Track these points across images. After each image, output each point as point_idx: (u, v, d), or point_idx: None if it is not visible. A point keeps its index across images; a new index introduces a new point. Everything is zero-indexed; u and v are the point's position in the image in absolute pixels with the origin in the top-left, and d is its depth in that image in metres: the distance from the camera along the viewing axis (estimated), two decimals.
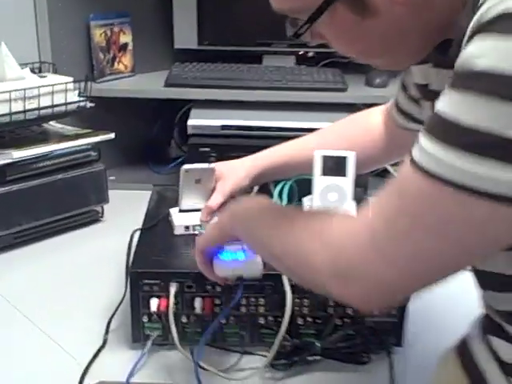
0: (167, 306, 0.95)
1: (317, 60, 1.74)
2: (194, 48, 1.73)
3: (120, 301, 1.03)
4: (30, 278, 1.19)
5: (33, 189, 1.29)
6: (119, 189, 1.58)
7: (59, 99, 1.34)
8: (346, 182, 0.98)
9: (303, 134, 1.15)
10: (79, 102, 1.38)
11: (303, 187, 1.10)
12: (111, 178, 1.65)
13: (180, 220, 1.08)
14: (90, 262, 1.25)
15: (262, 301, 0.97)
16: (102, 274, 1.19)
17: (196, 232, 1.07)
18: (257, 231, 0.76)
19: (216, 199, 1.06)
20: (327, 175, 0.99)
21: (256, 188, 1.17)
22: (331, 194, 0.99)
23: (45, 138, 1.41)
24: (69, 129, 1.50)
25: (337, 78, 1.59)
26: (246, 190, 1.10)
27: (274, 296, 0.97)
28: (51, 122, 1.51)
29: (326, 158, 0.99)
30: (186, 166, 1.06)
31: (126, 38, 1.70)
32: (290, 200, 1.10)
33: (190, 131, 1.52)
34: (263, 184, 1.14)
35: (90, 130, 1.46)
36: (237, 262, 0.85)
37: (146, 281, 0.95)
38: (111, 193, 1.49)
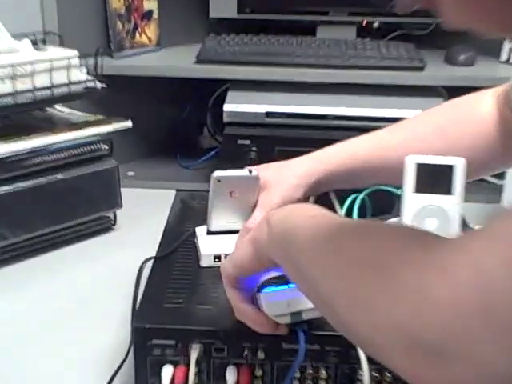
0: (186, 378, 0.66)
1: (383, 32, 1.42)
2: (232, 17, 1.43)
3: (122, 360, 0.74)
4: (8, 310, 0.91)
5: (24, 192, 1.01)
6: (139, 187, 1.30)
7: (60, 78, 1.05)
8: (452, 203, 0.68)
9: (373, 126, 0.85)
10: (86, 81, 1.09)
11: (380, 203, 0.79)
12: (130, 173, 1.38)
13: (209, 246, 0.79)
14: (93, 287, 0.96)
15: (323, 373, 0.67)
16: (107, 306, 0.90)
17: None
18: (303, 260, 0.50)
19: (259, 217, 0.77)
20: (423, 192, 0.68)
21: (311, 200, 0.87)
22: (429, 219, 0.68)
23: (47, 126, 1.13)
24: (79, 115, 1.22)
25: (411, 54, 1.27)
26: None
27: (341, 367, 0.67)
28: (58, 107, 1.23)
29: (422, 168, 0.68)
30: (219, 174, 0.77)
31: (150, 4, 1.40)
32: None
33: (225, 119, 1.22)
34: (321, 195, 0.84)
35: (101, 117, 1.17)
36: (290, 291, 0.61)
37: (157, 341, 0.67)
38: (129, 192, 1.21)
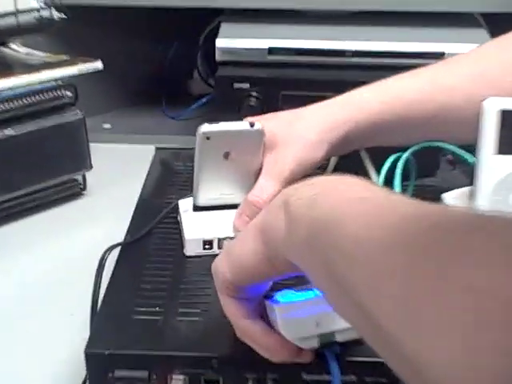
0: None
1: None
2: None
3: None
4: None
5: None
6: (117, 142, 1.08)
7: (4, 5, 0.82)
8: None
9: (403, 63, 0.64)
10: (39, 10, 0.85)
11: (430, 165, 0.58)
12: (105, 125, 1.16)
13: (196, 227, 0.58)
14: (48, 277, 0.74)
15: None
16: (66, 298, 0.69)
17: None
18: (357, 272, 0.32)
19: (265, 188, 0.56)
20: (510, 153, 0.47)
21: (333, 162, 0.65)
22: None
23: None
24: (39, 56, 0.99)
25: None
26: (317, 168, 0.60)
27: None
28: (14, 46, 1.00)
29: (510, 117, 0.46)
30: (208, 128, 0.55)
31: None
32: (403, 188, 0.58)
33: (219, 57, 0.99)
34: (349, 155, 0.63)
35: (64, 57, 0.95)
36: (317, 301, 0.42)
37: (121, 372, 0.46)
38: (105, 149, 1.01)
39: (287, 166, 0.56)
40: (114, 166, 0.99)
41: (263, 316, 0.46)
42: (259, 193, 0.56)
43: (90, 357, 0.46)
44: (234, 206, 0.60)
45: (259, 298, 0.46)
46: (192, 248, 0.57)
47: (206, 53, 1.23)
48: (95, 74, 0.95)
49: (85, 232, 0.80)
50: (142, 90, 1.23)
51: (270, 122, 0.57)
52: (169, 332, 0.49)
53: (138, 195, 0.68)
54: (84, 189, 0.93)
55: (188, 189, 0.68)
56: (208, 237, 0.57)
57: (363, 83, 0.64)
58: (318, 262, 0.33)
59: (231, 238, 0.57)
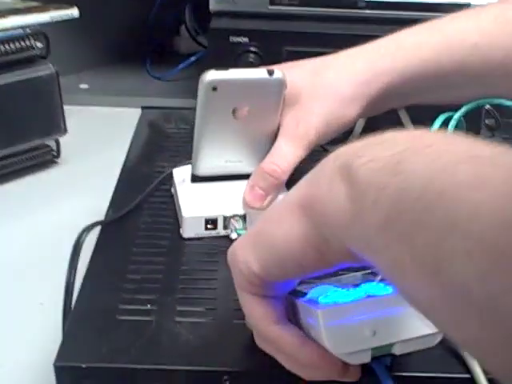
0: None
1: None
2: None
3: None
4: None
5: None
6: (95, 104, 0.96)
7: None
8: None
9: (424, 16, 0.52)
10: None
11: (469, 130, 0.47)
12: (82, 86, 1.03)
13: (196, 202, 0.47)
14: (17, 257, 0.63)
15: None
16: (35, 285, 0.57)
17: (233, 235, 0.45)
18: (448, 246, 0.21)
19: (285, 154, 0.45)
20: None
21: (360, 125, 0.54)
22: None
23: None
24: (5, 1, 0.86)
25: None
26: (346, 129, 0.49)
27: None
28: None
29: None
30: (215, 76, 0.43)
31: None
32: None
33: (213, 6, 0.86)
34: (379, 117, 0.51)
35: (34, 3, 0.83)
36: (372, 303, 0.32)
37: None
38: (81, 112, 0.90)
39: (313, 126, 0.45)
40: (91, 131, 0.87)
41: (291, 317, 0.35)
42: (277, 160, 0.45)
43: (62, 371, 0.35)
44: (242, 177, 0.48)
45: (285, 294, 0.35)
46: (191, 228, 0.46)
47: (195, 7, 1.11)
48: (70, 24, 0.83)
49: (58, 207, 0.68)
50: (123, 47, 1.10)
51: (291, 72, 0.46)
52: (164, 338, 0.38)
53: (122, 163, 0.56)
54: (57, 156, 0.80)
55: (182, 155, 0.57)
56: (211, 214, 0.46)
57: (376, 38, 0.54)
58: (406, 253, 0.22)
59: (240, 217, 0.46)
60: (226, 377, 0.36)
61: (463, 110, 0.45)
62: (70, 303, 0.41)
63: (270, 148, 0.47)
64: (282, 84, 0.44)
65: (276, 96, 0.45)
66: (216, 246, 0.46)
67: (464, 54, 0.45)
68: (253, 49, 0.85)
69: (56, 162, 0.81)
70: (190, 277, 0.43)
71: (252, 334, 0.36)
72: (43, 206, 0.69)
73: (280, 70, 0.44)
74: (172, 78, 1.05)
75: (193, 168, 0.48)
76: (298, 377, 0.34)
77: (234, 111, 0.45)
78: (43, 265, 0.58)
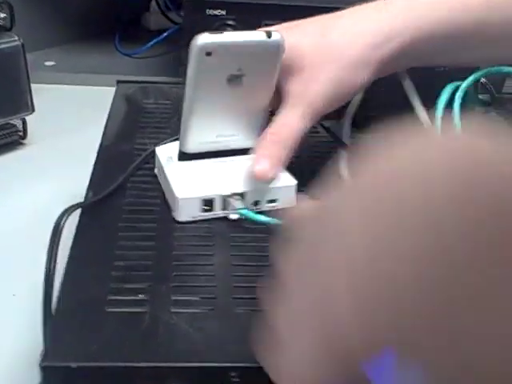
0: None
1: None
2: None
3: None
4: None
5: None
6: (61, 82, 0.91)
7: None
8: None
9: None
10: None
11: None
12: (48, 63, 0.97)
13: (188, 184, 0.43)
14: None
15: None
16: (7, 274, 0.52)
17: (233, 216, 0.42)
18: None
19: (291, 123, 0.41)
20: None
21: (360, 95, 0.51)
22: None
23: None
24: None
25: None
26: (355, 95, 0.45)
27: None
28: None
29: None
30: (207, 39, 0.39)
31: None
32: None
33: None
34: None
35: None
36: None
37: None
38: (47, 90, 0.84)
39: (320, 92, 0.41)
40: (60, 111, 0.82)
41: None
42: (283, 129, 0.41)
43: (49, 372, 0.31)
44: (233, 153, 0.45)
45: None
46: (186, 210, 0.42)
47: None
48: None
49: (29, 191, 0.63)
50: (90, 23, 1.04)
51: (291, 34, 0.42)
52: (161, 331, 0.34)
53: (99, 142, 0.51)
54: (24, 137, 0.75)
55: (163, 132, 0.53)
56: (207, 194, 0.42)
57: None
58: None
59: (238, 195, 0.42)
60: (233, 373, 0.32)
61: (471, 78, 0.42)
62: (51, 295, 0.36)
63: (264, 119, 0.43)
64: (280, 47, 0.40)
65: (274, 60, 0.41)
66: (210, 228, 0.42)
67: (480, 13, 0.42)
68: (230, 22, 0.80)
69: (23, 144, 0.75)
70: (184, 263, 0.39)
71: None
72: (13, 190, 0.64)
73: (278, 32, 0.40)
74: (142, 55, 1.00)
75: (181, 144, 0.44)
76: None
77: (228, 78, 0.41)
78: (16, 252, 0.54)
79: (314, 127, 0.46)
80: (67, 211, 0.40)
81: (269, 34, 0.40)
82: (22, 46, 0.70)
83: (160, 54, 0.99)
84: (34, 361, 0.31)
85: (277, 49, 0.41)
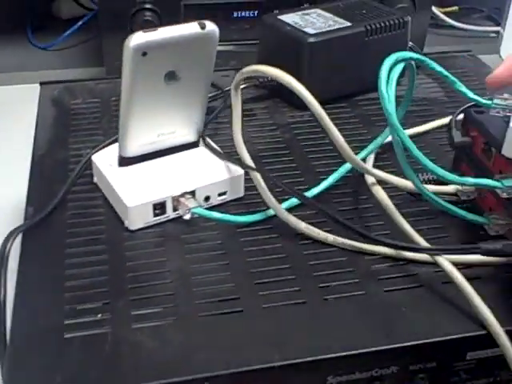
0: None
1: None
2: None
3: None
4: None
5: None
6: None
7: None
8: None
9: None
10: None
11: None
12: None
13: (134, 190, 0.41)
14: None
15: None
16: None
17: (187, 216, 0.40)
18: None
19: None
20: None
21: None
22: None
23: None
24: None
25: None
26: None
27: None
28: None
29: None
30: (141, 38, 0.37)
31: None
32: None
33: None
34: None
35: None
36: None
37: None
38: None
39: None
40: None
41: None
42: None
43: None
44: (175, 149, 0.43)
45: None
46: (138, 218, 0.40)
47: None
48: None
49: None
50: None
51: None
52: (125, 351, 0.32)
53: (31, 152, 0.48)
54: None
55: (97, 134, 0.51)
56: (158, 198, 0.40)
57: None
58: None
59: (189, 193, 0.41)
60: (206, 383, 0.31)
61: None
62: (5, 326, 0.34)
63: (203, 110, 0.42)
64: (215, 36, 0.39)
65: (209, 51, 0.40)
66: (161, 232, 0.41)
67: None
68: (148, 6, 0.78)
69: None
70: (140, 273, 0.38)
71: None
72: None
73: (211, 22, 0.39)
74: (59, 46, 0.95)
75: (121, 149, 0.42)
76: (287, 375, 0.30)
77: (165, 76, 0.39)
78: None
79: None
80: (10, 237, 0.38)
81: (202, 26, 0.38)
82: None
83: (78, 44, 0.94)
84: None
85: (212, 39, 0.39)
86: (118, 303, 0.35)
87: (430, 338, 0.34)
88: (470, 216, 0.41)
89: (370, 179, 0.43)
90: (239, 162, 0.43)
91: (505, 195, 0.37)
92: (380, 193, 0.42)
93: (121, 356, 0.32)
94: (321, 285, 0.37)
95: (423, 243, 0.39)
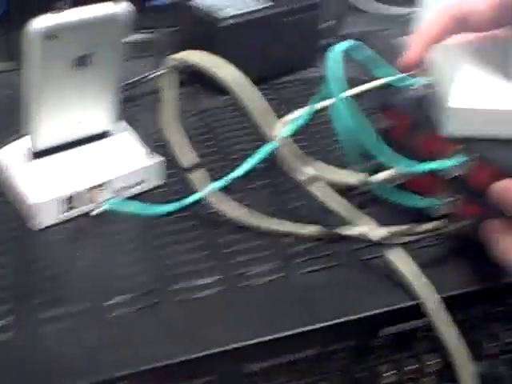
0: None
1: None
2: None
3: None
4: None
5: None
6: None
7: None
8: None
9: None
10: None
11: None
12: None
13: (41, 186, 0.39)
14: None
15: None
16: None
17: (96, 210, 0.38)
18: None
19: None
20: None
21: None
22: None
23: None
24: None
25: None
26: None
27: None
28: None
29: None
30: (47, 21, 0.34)
31: None
32: None
33: None
34: None
35: None
36: None
37: None
38: None
39: None
40: None
41: None
42: None
43: None
44: (88, 139, 0.41)
45: None
46: (45, 216, 0.38)
47: None
48: None
49: None
50: None
51: None
52: (30, 357, 0.31)
53: None
54: None
55: (9, 131, 0.48)
56: (65, 193, 0.38)
57: None
58: None
59: (100, 186, 0.39)
60: (125, 381, 0.30)
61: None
62: None
63: (116, 97, 0.40)
64: (130, 15, 0.37)
65: (122, 32, 0.37)
66: (74, 227, 0.39)
67: None
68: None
69: None
70: (48, 273, 0.36)
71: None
72: None
73: (124, 1, 0.36)
74: None
75: (33, 142, 0.39)
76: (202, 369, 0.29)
77: (75, 61, 0.37)
78: None
79: None
80: None
81: (115, 4, 0.36)
82: None
83: None
84: None
85: (125, 20, 0.37)
86: (23, 307, 0.33)
87: (350, 315, 0.33)
88: (422, 202, 0.37)
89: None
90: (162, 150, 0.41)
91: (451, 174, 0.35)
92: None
93: (27, 362, 0.30)
94: (239, 271, 0.36)
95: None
